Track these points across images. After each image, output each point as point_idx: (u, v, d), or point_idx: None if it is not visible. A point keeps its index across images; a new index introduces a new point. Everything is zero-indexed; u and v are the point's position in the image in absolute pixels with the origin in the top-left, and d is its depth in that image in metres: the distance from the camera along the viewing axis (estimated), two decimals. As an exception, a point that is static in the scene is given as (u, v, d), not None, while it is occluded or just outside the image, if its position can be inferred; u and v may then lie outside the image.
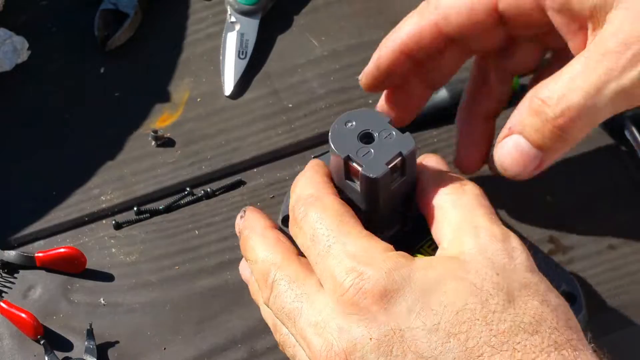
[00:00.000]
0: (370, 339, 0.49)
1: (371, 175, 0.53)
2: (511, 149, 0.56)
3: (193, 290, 0.70)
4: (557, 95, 0.54)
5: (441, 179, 0.56)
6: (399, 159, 0.53)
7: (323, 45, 0.80)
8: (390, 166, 0.53)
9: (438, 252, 0.54)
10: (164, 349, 0.68)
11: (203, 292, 0.70)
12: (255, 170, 0.75)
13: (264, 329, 0.68)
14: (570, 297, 0.62)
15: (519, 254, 0.52)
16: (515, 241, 0.53)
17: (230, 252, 0.71)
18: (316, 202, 0.55)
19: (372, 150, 0.53)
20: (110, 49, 0.80)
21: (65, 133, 0.77)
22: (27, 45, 0.79)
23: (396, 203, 0.57)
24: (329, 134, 0.54)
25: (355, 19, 0.82)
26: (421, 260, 0.51)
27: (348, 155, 0.54)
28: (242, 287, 0.70)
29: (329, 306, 0.51)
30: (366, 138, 0.54)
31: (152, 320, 0.69)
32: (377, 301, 0.49)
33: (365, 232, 0.53)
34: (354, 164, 0.54)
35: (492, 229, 0.53)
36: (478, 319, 0.48)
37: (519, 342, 0.47)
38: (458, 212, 0.54)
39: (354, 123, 0.54)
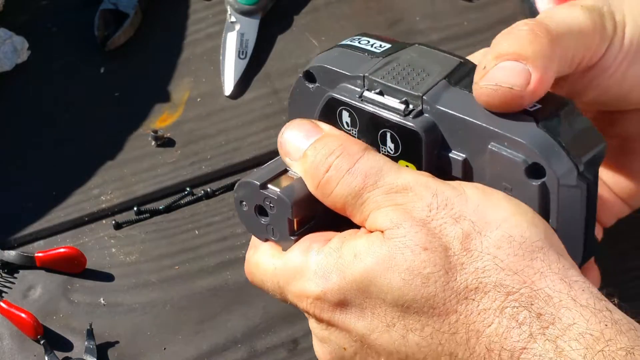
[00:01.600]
0: (345, 348, 0.53)
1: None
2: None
3: (193, 290, 0.70)
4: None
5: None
6: (294, 221, 0.55)
7: (323, 45, 0.80)
8: (296, 235, 0.55)
9: (362, 228, 0.53)
10: (164, 349, 0.68)
11: (203, 292, 0.70)
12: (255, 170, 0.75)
13: (264, 329, 0.68)
14: (534, 171, 0.51)
15: (440, 205, 0.50)
16: (432, 189, 0.50)
17: (230, 252, 0.71)
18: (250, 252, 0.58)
19: (273, 228, 0.56)
20: (110, 49, 0.80)
21: (65, 133, 0.77)
22: (27, 45, 0.79)
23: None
24: (243, 224, 0.58)
25: (355, 19, 0.82)
26: (348, 250, 0.51)
27: (266, 238, 0.57)
28: (242, 287, 0.70)
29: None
30: (262, 212, 0.56)
31: (152, 320, 0.69)
32: (335, 309, 0.52)
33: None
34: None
35: (399, 181, 0.51)
36: (424, 307, 0.48)
37: (470, 314, 0.47)
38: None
39: (244, 202, 0.56)
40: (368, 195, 0.51)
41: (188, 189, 0.74)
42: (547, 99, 0.53)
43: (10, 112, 0.78)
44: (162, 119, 0.78)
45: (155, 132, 0.76)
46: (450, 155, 0.54)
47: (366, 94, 0.55)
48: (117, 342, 0.68)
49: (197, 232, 0.73)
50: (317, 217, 0.55)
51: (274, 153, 0.75)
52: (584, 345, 0.44)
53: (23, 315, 0.68)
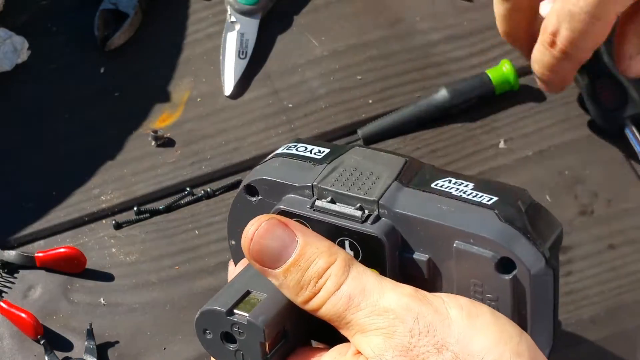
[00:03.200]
0: None
1: None
2: None
3: (193, 290, 0.70)
4: None
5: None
6: (266, 344, 0.52)
7: (323, 45, 0.80)
8: (268, 358, 0.52)
9: (350, 348, 0.52)
10: (164, 349, 0.68)
11: (203, 292, 0.70)
12: (255, 170, 0.75)
13: (264, 329, 0.68)
14: (504, 265, 0.51)
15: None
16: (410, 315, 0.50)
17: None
18: None
19: (243, 353, 0.53)
20: (110, 49, 0.80)
21: (65, 133, 0.77)
22: (27, 45, 0.79)
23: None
24: (208, 351, 0.54)
25: (356, 19, 0.82)
26: None
27: None
28: (242, 287, 0.70)
29: None
30: (228, 339, 0.53)
31: (152, 320, 0.69)
32: None
33: None
34: None
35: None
36: None
37: None
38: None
39: (208, 330, 0.53)
40: (351, 318, 0.51)
41: (188, 189, 0.74)
42: (502, 188, 0.52)
43: (10, 112, 0.78)
44: (162, 119, 0.78)
45: (155, 132, 0.76)
46: (413, 257, 0.53)
47: (318, 203, 0.53)
48: (117, 342, 0.68)
49: (197, 232, 0.73)
50: (288, 334, 0.53)
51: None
52: None
53: (23, 315, 0.68)
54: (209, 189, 0.74)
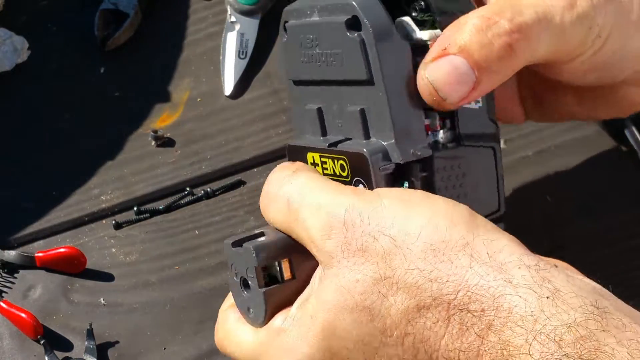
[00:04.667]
0: None
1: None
2: (448, 68, 0.51)
3: (193, 290, 0.70)
4: (510, 10, 0.51)
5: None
6: (261, 271, 0.53)
7: (323, 45, 0.80)
8: (264, 288, 0.53)
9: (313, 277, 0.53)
10: (164, 349, 0.68)
11: (203, 292, 0.70)
12: (255, 170, 0.75)
13: (263, 329, 0.68)
14: (353, 24, 0.53)
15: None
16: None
17: (230, 252, 0.71)
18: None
19: (251, 309, 0.54)
20: (110, 49, 0.80)
21: (66, 133, 0.77)
22: (27, 45, 0.79)
23: None
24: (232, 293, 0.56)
25: (355, 19, 0.82)
26: (305, 315, 0.51)
27: (242, 311, 0.55)
28: (242, 287, 0.70)
29: None
30: (244, 284, 0.54)
31: (152, 320, 0.69)
32: None
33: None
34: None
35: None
36: (381, 339, 0.48)
37: (422, 332, 0.47)
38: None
39: (235, 267, 0.55)
40: (292, 226, 0.52)
41: (188, 189, 0.74)
42: None
43: (10, 112, 0.78)
44: (162, 119, 0.78)
45: (155, 132, 0.76)
46: None
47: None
48: (117, 342, 0.68)
49: (197, 232, 0.73)
50: (295, 276, 0.54)
51: (274, 153, 0.75)
52: (525, 329, 0.44)
53: (23, 315, 0.68)
54: (208, 189, 0.74)
